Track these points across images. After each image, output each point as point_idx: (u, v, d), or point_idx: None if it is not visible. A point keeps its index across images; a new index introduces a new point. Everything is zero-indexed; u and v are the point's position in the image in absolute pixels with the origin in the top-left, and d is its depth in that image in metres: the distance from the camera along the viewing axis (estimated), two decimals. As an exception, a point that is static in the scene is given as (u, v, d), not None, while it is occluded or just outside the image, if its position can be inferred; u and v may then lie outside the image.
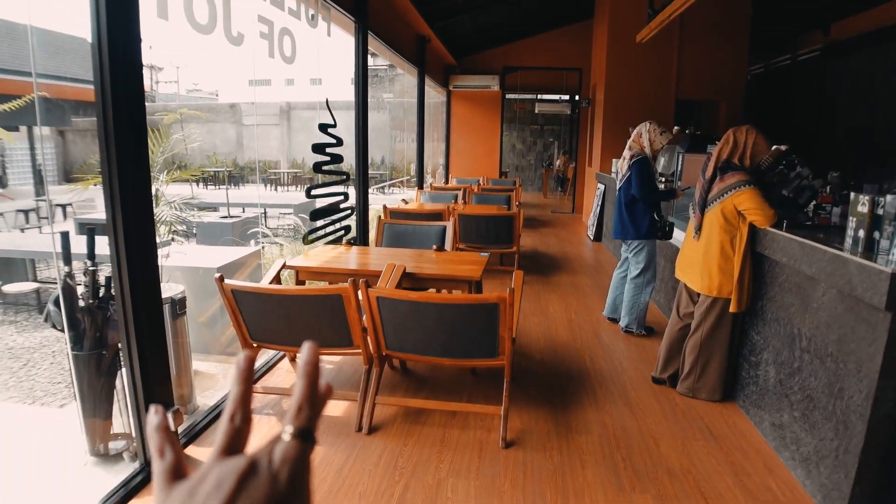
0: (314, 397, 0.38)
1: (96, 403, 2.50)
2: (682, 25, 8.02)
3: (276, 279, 3.19)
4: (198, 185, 17.63)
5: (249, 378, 0.40)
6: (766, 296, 3.00)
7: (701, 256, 3.14)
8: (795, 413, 2.67)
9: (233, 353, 3.66)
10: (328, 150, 4.35)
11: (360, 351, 2.74)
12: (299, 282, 3.44)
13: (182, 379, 2.90)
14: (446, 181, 11.57)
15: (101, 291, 2.46)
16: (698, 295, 3.28)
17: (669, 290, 4.70)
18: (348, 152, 4.70)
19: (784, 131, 5.66)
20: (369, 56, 5.44)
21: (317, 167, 4.25)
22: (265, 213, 11.72)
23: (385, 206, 5.71)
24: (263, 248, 6.07)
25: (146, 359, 2.33)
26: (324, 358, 3.43)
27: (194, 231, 9.08)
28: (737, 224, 3.03)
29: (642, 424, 2.99)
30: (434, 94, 11.20)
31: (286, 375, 3.35)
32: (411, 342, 2.65)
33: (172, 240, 3.77)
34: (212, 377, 3.44)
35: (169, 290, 2.78)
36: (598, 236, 8.44)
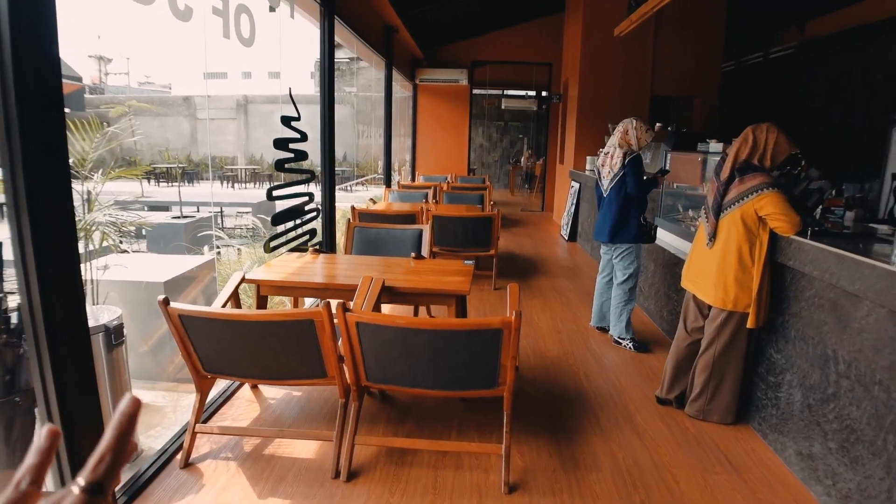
0: (119, 452, 0.38)
1: (10, 462, 2.01)
2: (657, 21, 7.79)
3: (234, 296, 2.73)
4: (149, 182, 16.69)
5: (50, 454, 0.38)
6: (788, 311, 2.71)
7: (715, 266, 2.83)
8: (831, 444, 2.37)
9: (186, 379, 3.18)
10: (292, 145, 3.89)
11: (334, 383, 2.31)
12: (261, 297, 2.99)
13: (120, 419, 2.42)
14: (413, 179, 11.14)
15: (12, 322, 1.98)
16: (709, 308, 2.97)
17: (661, 297, 4.42)
18: (313, 148, 4.24)
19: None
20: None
21: (279, 165, 3.78)
22: (221, 212, 11.06)
23: (353, 207, 5.26)
24: (219, 254, 5.53)
25: (69, 405, 1.86)
26: (289, 385, 2.99)
27: (144, 233, 8.42)
28: (757, 231, 2.72)
29: (655, 456, 2.66)
30: (399, 89, 10.75)
31: (247, 407, 2.89)
32: (397, 373, 2.24)
33: (118, 247, 3.25)
34: (158, 410, 2.95)
35: (101, 315, 2.30)
36: (572, 236, 8.17)
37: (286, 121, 3.78)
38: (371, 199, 6.86)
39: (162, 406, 2.99)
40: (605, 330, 4.27)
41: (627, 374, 3.56)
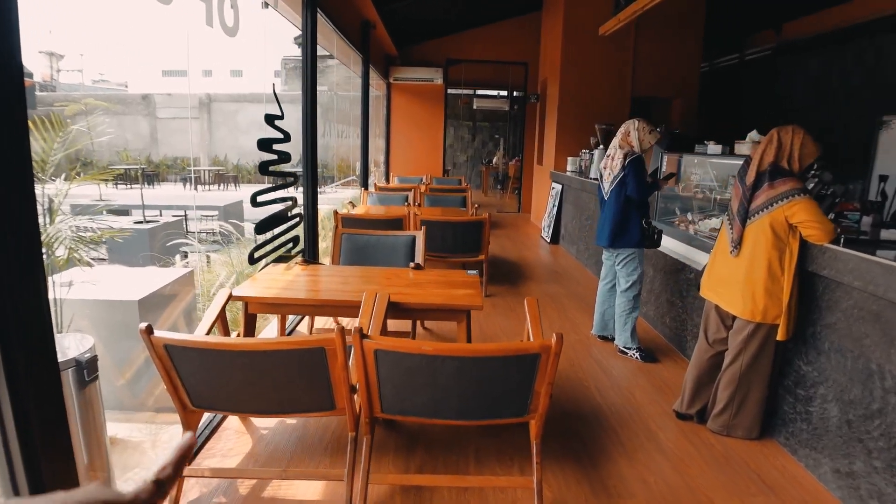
0: (177, 467, 0.50)
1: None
2: (637, 21, 7.69)
3: (222, 317, 2.44)
4: (107, 184, 15.92)
5: (186, 455, 0.52)
6: (820, 322, 2.56)
7: (742, 275, 2.67)
8: (876, 462, 2.23)
9: (165, 408, 2.84)
10: (275, 146, 3.58)
11: (344, 414, 2.05)
12: (250, 316, 2.70)
13: (95, 461, 2.10)
14: (387, 180, 10.85)
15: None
16: (732, 319, 2.81)
17: (663, 304, 4.27)
18: (292, 150, 3.93)
19: (737, 132, 5.47)
20: (297, 45, 4.70)
21: (263, 168, 3.48)
22: (186, 216, 10.54)
23: (336, 213, 4.96)
24: (187, 263, 5.15)
25: (35, 455, 1.56)
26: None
27: (103, 240, 7.91)
28: (787, 239, 2.57)
29: (687, 478, 2.48)
30: (372, 89, 10.44)
31: (237, 440, 2.59)
32: (417, 403, 1.99)
33: (84, 261, 2.90)
34: (136, 447, 2.62)
35: (70, 345, 1.98)
36: (555, 238, 8.02)
37: (270, 119, 3.48)
38: (350, 201, 6.56)
39: (139, 442, 2.66)
40: (607, 339, 4.10)
41: (640, 386, 3.38)
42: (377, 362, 1.86)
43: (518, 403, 2.01)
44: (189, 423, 2.13)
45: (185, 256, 5.70)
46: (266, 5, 4.85)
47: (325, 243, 6.71)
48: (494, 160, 16.66)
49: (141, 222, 7.94)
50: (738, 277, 2.70)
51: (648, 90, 8.31)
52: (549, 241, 8.08)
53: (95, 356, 1.95)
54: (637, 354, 3.77)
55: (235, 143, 17.95)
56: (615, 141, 3.81)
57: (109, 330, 2.70)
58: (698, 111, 8.44)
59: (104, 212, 9.65)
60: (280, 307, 2.79)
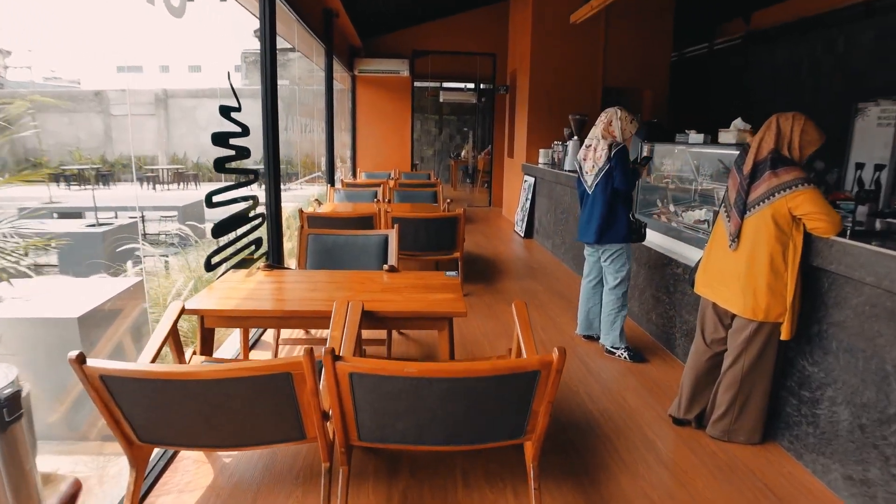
0: None
1: None
2: (608, 9, 7.54)
3: (173, 332, 2.15)
4: (58, 185, 15.12)
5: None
6: (826, 320, 2.41)
7: (742, 271, 2.49)
8: (895, 469, 2.08)
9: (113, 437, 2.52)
10: (233, 141, 3.28)
11: (316, 443, 1.79)
12: (206, 331, 2.41)
13: (22, 510, 1.79)
14: (354, 176, 10.51)
15: None
16: (731, 317, 2.64)
17: (648, 300, 4.10)
18: (251, 145, 3.63)
19: (706, 122, 5.39)
20: (257, 38, 4.38)
21: (219, 165, 3.17)
22: (143, 217, 10.03)
23: (301, 211, 4.66)
24: (166, 266, 4.77)
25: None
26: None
27: (53, 246, 7.40)
28: (790, 232, 2.40)
29: (692, 490, 2.30)
30: (336, 82, 10.08)
31: (196, 472, 2.30)
32: (400, 430, 1.74)
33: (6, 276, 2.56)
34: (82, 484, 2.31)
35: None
36: (528, 233, 7.84)
37: (225, 112, 3.17)
38: (316, 199, 6.25)
39: (84, 477, 2.35)
40: (592, 338, 3.91)
41: (631, 389, 3.20)
42: (352, 386, 1.61)
43: (513, 425, 1.79)
44: (137, 459, 1.85)
45: (139, 262, 5.31)
46: None
47: (290, 243, 6.39)
48: (463, 153, 16.44)
49: (94, 225, 7.47)
50: (737, 273, 2.52)
51: (619, 81, 8.18)
52: (522, 235, 7.90)
53: (19, 391, 1.64)
54: (626, 354, 3.60)
55: (195, 141, 17.30)
56: (595, 131, 3.62)
57: (45, 352, 2.37)
58: (669, 102, 8.36)
59: (54, 214, 9.09)
60: (241, 320, 2.50)
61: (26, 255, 2.28)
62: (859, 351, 2.23)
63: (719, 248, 2.66)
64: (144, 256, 5.24)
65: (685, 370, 2.85)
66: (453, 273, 2.94)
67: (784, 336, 2.45)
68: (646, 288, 4.13)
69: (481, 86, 13.37)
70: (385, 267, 3.03)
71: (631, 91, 8.40)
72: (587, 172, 3.63)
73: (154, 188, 15.71)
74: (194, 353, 2.36)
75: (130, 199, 11.12)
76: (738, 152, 2.70)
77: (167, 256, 5.82)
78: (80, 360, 1.53)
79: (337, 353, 1.57)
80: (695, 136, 4.27)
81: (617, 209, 3.55)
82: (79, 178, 14.99)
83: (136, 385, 1.58)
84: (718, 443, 2.68)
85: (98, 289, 2.77)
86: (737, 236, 2.52)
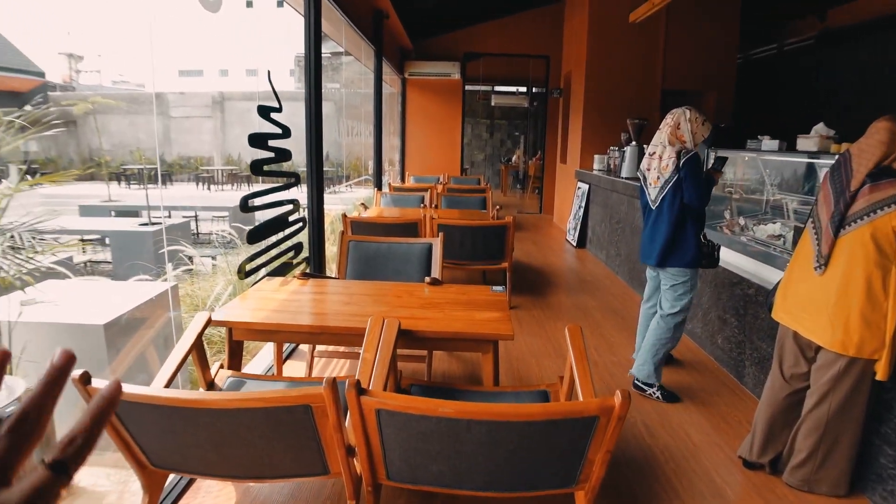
0: (91, 436, 0.36)
1: None
2: (668, 9, 7.17)
3: (197, 345, 2.00)
4: (119, 184, 15.67)
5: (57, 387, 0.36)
6: (936, 356, 2.06)
7: (833, 298, 2.16)
8: None
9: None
10: (272, 143, 3.15)
11: (340, 478, 1.60)
12: (235, 343, 2.26)
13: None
14: (402, 179, 10.41)
15: None
16: (815, 350, 2.31)
17: (713, 322, 3.76)
18: (294, 148, 3.50)
19: (774, 127, 4.97)
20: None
21: (257, 167, 3.05)
22: (196, 217, 10.20)
23: (345, 216, 4.52)
24: (191, 271, 4.73)
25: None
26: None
27: (107, 241, 7.55)
28: (892, 255, 2.06)
29: (768, 554, 1.99)
30: (386, 86, 10.02)
31: (218, 495, 2.15)
32: (434, 472, 1.53)
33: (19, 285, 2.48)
34: (100, 499, 2.19)
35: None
36: (581, 242, 7.51)
37: (264, 112, 3.04)
38: (362, 203, 6.12)
39: (105, 492, 2.24)
40: None
41: (695, 423, 2.88)
42: (380, 424, 1.41)
43: (564, 473, 1.55)
44: (150, 484, 1.70)
45: (188, 261, 5.30)
46: (281, 3, 4.45)
47: (334, 247, 6.29)
48: (514, 158, 16.16)
49: (146, 224, 7.58)
50: (826, 300, 2.19)
51: (679, 82, 7.77)
52: (574, 244, 7.57)
53: (19, 411, 1.53)
54: (658, 394, 3.17)
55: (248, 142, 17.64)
56: (660, 136, 3.14)
57: (79, 356, 2.28)
58: (734, 105, 7.88)
59: (112, 213, 9.33)
60: (269, 334, 2.35)
61: (52, 255, 2.18)
62: (980, 399, 1.88)
63: (803, 270, 2.34)
64: (188, 257, 5.22)
65: (760, 407, 2.53)
66: (500, 288, 2.71)
67: (880, 376, 2.12)
68: (711, 308, 3.79)
69: (533, 89, 13.09)
70: (427, 279, 2.83)
71: (693, 94, 7.96)
72: (651, 184, 3.17)
73: (209, 188, 16.08)
74: (221, 366, 2.22)
75: (185, 199, 11.36)
76: (817, 161, 2.38)
77: (214, 258, 5.81)
78: (85, 380, 1.39)
79: (363, 386, 1.37)
80: (769, 143, 3.91)
81: (685, 228, 3.07)
82: (138, 178, 15.50)
83: (145, 410, 1.43)
84: (797, 493, 2.35)
85: (131, 292, 2.68)
86: (827, 259, 2.20)
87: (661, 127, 3.19)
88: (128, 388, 1.41)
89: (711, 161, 4.46)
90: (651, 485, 2.35)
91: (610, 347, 3.90)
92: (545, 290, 5.37)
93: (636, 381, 3.24)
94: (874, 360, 2.13)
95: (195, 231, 9.97)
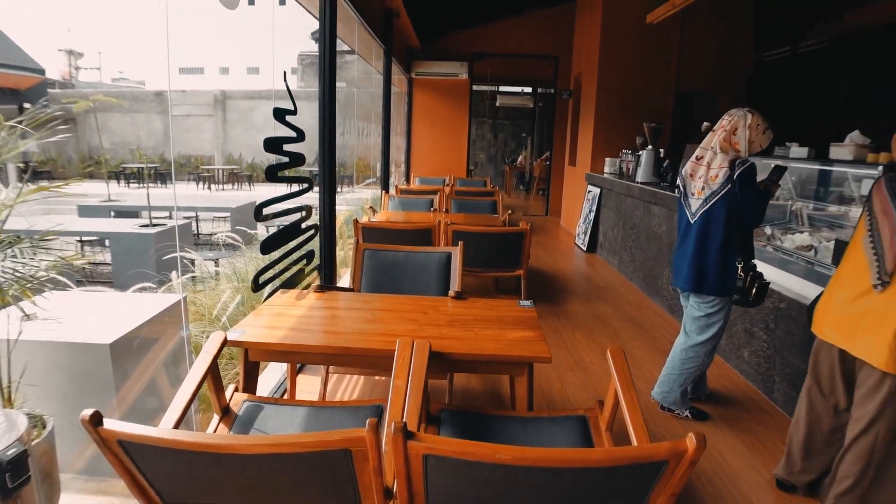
0: None
1: None
2: (684, 10, 7.03)
3: (212, 369, 1.86)
4: (118, 183, 15.52)
5: None
6: None
7: (892, 315, 2.03)
8: None
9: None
10: (286, 147, 3.01)
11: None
12: (249, 365, 2.12)
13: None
14: (407, 180, 10.26)
15: None
16: (858, 369, 2.18)
17: (739, 334, 3.63)
18: (304, 149, 3.36)
19: (791, 132, 4.87)
20: (314, 41, 4.15)
21: (271, 173, 2.90)
22: (197, 217, 10.04)
23: (356, 222, 4.39)
24: (194, 279, 4.58)
25: None
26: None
27: (106, 244, 7.38)
28: (956, 270, 1.94)
29: None
30: (392, 85, 9.87)
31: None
32: (480, 519, 1.39)
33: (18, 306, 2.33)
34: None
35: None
36: (591, 247, 7.38)
37: (280, 115, 2.90)
38: (370, 206, 5.99)
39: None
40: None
41: (729, 445, 2.75)
42: (426, 470, 1.27)
43: (623, 519, 1.41)
44: (165, 522, 1.56)
45: (190, 266, 5.15)
46: (283, 1, 4.29)
47: (342, 252, 6.14)
48: (519, 159, 16.03)
49: (147, 225, 7.41)
50: (886, 318, 2.05)
51: (692, 85, 7.63)
52: (585, 249, 7.44)
53: (24, 451, 1.38)
54: (687, 413, 3.02)
55: (250, 141, 17.52)
56: (712, 139, 2.77)
57: (76, 380, 2.14)
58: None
59: (112, 213, 9.17)
60: (289, 355, 2.21)
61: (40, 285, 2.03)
62: None
63: (855, 286, 2.19)
64: (190, 261, 5.05)
65: (794, 425, 2.40)
66: (528, 303, 2.58)
67: None
68: (736, 320, 3.66)
69: (539, 90, 12.95)
70: (451, 293, 2.69)
71: (705, 96, 7.82)
72: (693, 195, 2.82)
73: (209, 188, 15.94)
74: (236, 389, 2.07)
75: (185, 199, 11.19)
76: (851, 170, 2.24)
77: (217, 262, 5.65)
78: (95, 421, 1.25)
79: (396, 418, 1.23)
80: (797, 150, 3.78)
81: (728, 249, 2.74)
82: (138, 177, 15.35)
83: (162, 454, 1.28)
84: (844, 525, 2.22)
85: (140, 305, 2.53)
86: (891, 274, 2.06)
87: (714, 128, 2.82)
88: (144, 431, 1.27)
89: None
90: (692, 516, 2.22)
91: (632, 360, 3.76)
92: (559, 297, 5.23)
93: (663, 406, 3.08)
94: None
95: (196, 232, 9.82)
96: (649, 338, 4.20)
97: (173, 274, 3.99)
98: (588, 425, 2.00)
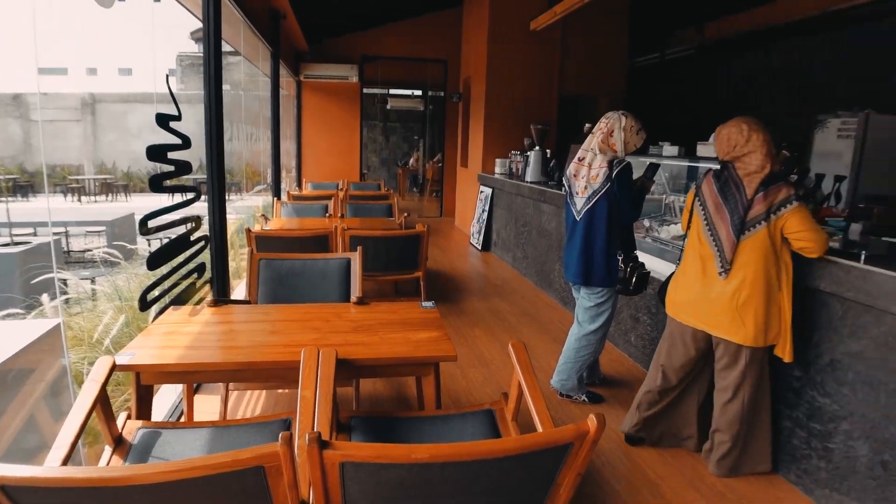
0: None
1: None
2: (565, 18, 7.45)
3: (101, 398, 1.74)
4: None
5: None
6: (839, 349, 2.24)
7: (742, 297, 2.30)
8: (928, 518, 1.91)
9: None
10: (171, 155, 2.85)
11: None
12: (142, 388, 1.99)
13: None
14: (299, 186, 10.00)
15: None
16: (715, 346, 2.46)
17: (626, 321, 3.91)
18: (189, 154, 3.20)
19: (663, 132, 5.37)
20: (194, 41, 3.97)
21: (156, 183, 2.73)
22: (67, 233, 9.19)
23: (248, 231, 4.24)
24: (67, 301, 4.19)
25: None
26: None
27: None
28: (780, 252, 2.28)
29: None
30: (280, 88, 9.57)
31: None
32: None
33: None
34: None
35: None
36: (486, 245, 7.60)
37: (163, 121, 2.74)
38: (262, 214, 5.79)
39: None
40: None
41: (614, 416, 2.97)
42: (343, 478, 1.27)
43: (533, 501, 1.49)
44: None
45: (63, 286, 4.70)
46: None
47: (234, 263, 5.89)
48: (412, 161, 16.15)
49: (8, 244, 6.66)
50: (730, 300, 2.32)
51: (576, 89, 8.10)
52: (479, 248, 7.66)
53: None
54: (584, 398, 3.23)
55: (126, 148, 16.26)
56: (591, 141, 2.96)
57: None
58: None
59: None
60: (186, 375, 2.10)
61: None
62: (880, 384, 2.07)
63: (700, 273, 2.45)
64: (62, 281, 4.62)
65: (643, 388, 2.75)
66: (430, 304, 2.63)
67: (787, 358, 2.31)
68: (623, 307, 3.94)
69: (429, 93, 13.13)
70: (353, 299, 2.68)
71: (587, 99, 8.33)
72: (577, 194, 3.00)
73: (79, 200, 14.61)
74: (128, 416, 1.94)
75: (54, 213, 10.19)
76: (716, 166, 2.52)
77: (93, 281, 5.20)
78: (-30, 466, 1.13)
79: (307, 428, 1.23)
80: (669, 149, 4.14)
81: (611, 243, 2.94)
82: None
83: (52, 495, 1.19)
84: (725, 480, 2.49)
85: (6, 335, 2.29)
86: (731, 264, 2.32)
87: (593, 131, 2.99)
88: (30, 472, 1.16)
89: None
90: (593, 490, 2.38)
91: (531, 351, 3.92)
92: (457, 295, 5.36)
93: (560, 393, 3.27)
94: (771, 346, 2.33)
95: (66, 249, 8.98)
96: (545, 330, 4.42)
97: (44, 297, 3.62)
98: (495, 418, 2.08)
